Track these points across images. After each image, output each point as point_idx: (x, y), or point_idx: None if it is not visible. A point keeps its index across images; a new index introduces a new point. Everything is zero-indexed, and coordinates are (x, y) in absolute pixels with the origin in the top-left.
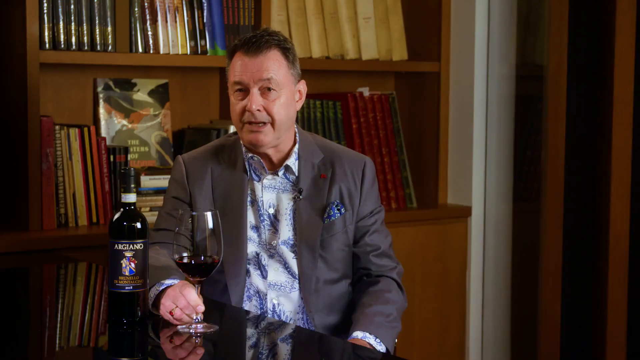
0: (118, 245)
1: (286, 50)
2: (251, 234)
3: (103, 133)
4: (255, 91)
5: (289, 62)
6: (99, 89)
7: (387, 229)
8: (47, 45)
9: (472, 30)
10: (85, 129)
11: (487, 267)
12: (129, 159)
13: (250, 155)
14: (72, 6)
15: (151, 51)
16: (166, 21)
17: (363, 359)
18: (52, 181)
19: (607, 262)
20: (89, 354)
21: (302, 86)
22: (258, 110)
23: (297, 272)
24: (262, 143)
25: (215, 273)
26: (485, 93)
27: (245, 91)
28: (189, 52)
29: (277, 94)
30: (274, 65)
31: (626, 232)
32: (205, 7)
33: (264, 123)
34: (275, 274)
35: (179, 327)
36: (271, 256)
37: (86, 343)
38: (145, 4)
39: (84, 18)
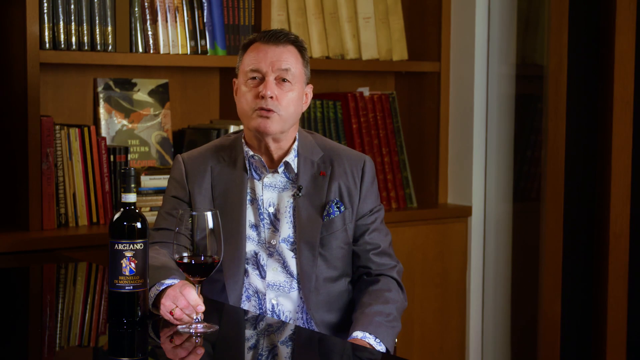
0: (118, 245)
1: (302, 49)
2: (250, 232)
3: (103, 133)
4: (271, 79)
5: (304, 61)
6: (99, 88)
7: (387, 227)
8: (47, 45)
9: (472, 30)
10: (86, 129)
11: (487, 267)
12: (129, 158)
13: (251, 154)
14: (72, 6)
15: (151, 51)
16: (166, 21)
17: None
18: (52, 181)
19: (607, 262)
20: (89, 354)
21: (309, 90)
22: (271, 97)
23: (295, 272)
24: (268, 130)
25: (214, 272)
26: (485, 93)
27: (259, 80)
28: (189, 52)
29: (291, 87)
30: (292, 58)
31: (626, 232)
32: (205, 7)
33: (274, 111)
34: (274, 274)
35: (179, 327)
36: (270, 255)
37: (86, 343)
38: (145, 4)
39: (84, 18)
